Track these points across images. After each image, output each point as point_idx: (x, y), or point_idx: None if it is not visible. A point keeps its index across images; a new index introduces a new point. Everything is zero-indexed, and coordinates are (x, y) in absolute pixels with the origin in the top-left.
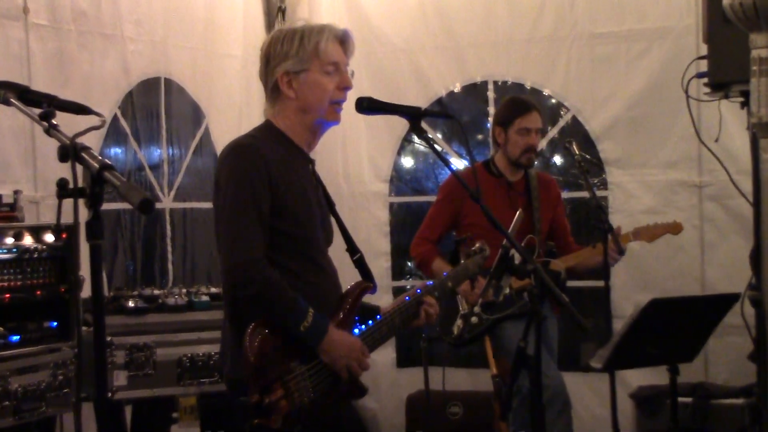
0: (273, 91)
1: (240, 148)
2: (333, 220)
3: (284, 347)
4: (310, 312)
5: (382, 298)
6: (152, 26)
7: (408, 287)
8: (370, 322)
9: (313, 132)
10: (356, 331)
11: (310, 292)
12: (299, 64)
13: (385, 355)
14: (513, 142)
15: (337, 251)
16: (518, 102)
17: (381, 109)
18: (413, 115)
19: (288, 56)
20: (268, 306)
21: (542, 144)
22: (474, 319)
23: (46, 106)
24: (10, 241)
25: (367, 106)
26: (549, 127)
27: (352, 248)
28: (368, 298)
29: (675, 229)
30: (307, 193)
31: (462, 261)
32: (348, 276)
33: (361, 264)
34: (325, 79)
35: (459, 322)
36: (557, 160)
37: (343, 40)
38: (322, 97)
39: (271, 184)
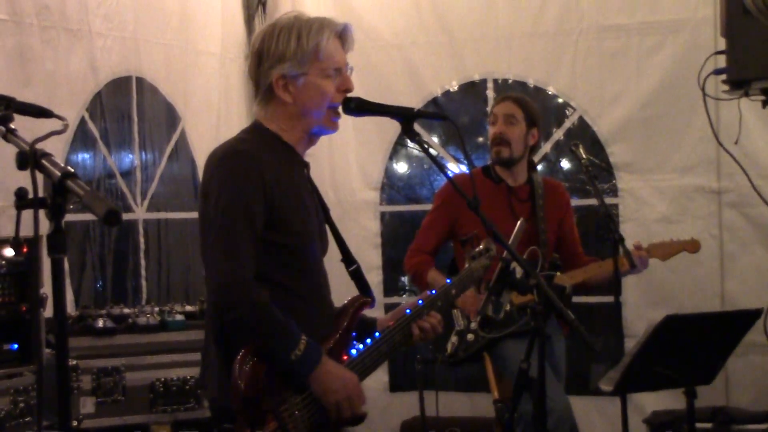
0: (266, 94)
1: (233, 154)
2: (327, 228)
3: (277, 375)
4: (302, 339)
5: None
6: (122, 21)
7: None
8: (369, 340)
9: (311, 136)
10: (354, 351)
11: (306, 312)
12: (297, 67)
13: (377, 378)
14: (489, 136)
15: (329, 262)
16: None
17: (371, 110)
18: (406, 117)
19: (285, 57)
20: (256, 331)
21: (547, 147)
22: (470, 337)
23: (3, 109)
24: None
25: (356, 106)
26: (554, 129)
27: (347, 259)
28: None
29: (692, 246)
30: (304, 202)
31: (466, 264)
32: (342, 288)
33: (357, 276)
34: (325, 83)
35: (453, 338)
36: (563, 164)
37: (343, 35)
38: (322, 102)
39: (266, 195)
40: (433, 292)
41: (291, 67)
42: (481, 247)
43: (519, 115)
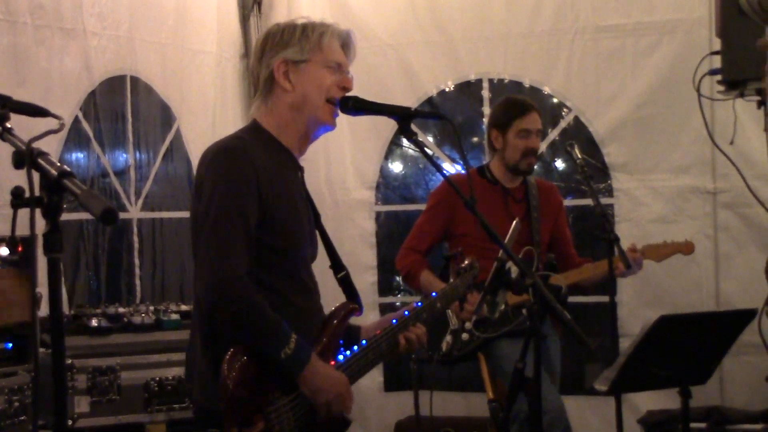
0: (266, 84)
1: (227, 151)
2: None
3: (265, 376)
4: (293, 338)
5: (368, 316)
6: (117, 19)
7: (397, 303)
8: (356, 347)
9: (306, 133)
10: (341, 357)
11: (294, 315)
12: (300, 53)
13: (371, 378)
14: (512, 146)
15: (318, 267)
16: (516, 102)
17: (368, 108)
18: (403, 116)
19: (288, 45)
20: (248, 328)
21: (542, 147)
22: (465, 336)
23: None
24: None
25: (353, 105)
26: (549, 129)
27: (336, 265)
28: (353, 319)
29: (686, 248)
30: (297, 204)
31: (451, 279)
32: (331, 294)
33: (346, 283)
34: (324, 73)
35: (448, 338)
36: (558, 164)
37: (346, 43)
38: (320, 91)
39: (259, 193)
40: (419, 304)
41: (293, 53)
42: (466, 263)
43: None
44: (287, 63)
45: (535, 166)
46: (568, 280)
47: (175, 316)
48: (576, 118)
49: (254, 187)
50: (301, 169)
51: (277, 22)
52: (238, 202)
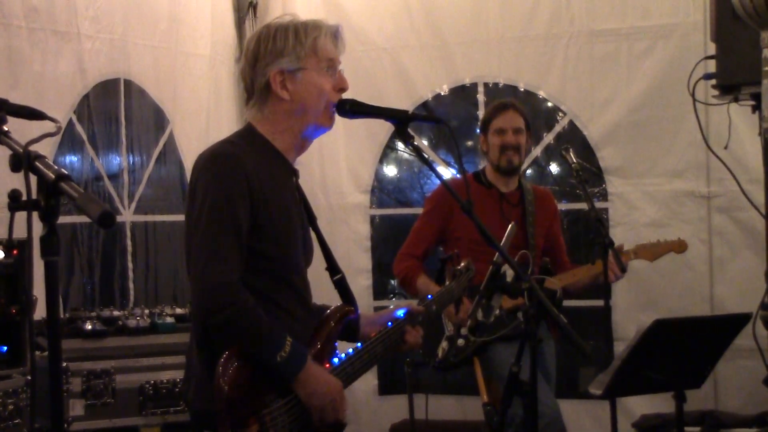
0: (262, 93)
1: (220, 156)
2: (313, 235)
3: (260, 378)
4: (288, 341)
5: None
6: (111, 23)
7: (392, 307)
8: (351, 350)
9: (304, 139)
10: (336, 360)
11: (287, 320)
12: (295, 62)
13: (366, 381)
14: (492, 145)
15: (314, 270)
16: (495, 104)
17: (365, 112)
18: (401, 119)
19: (283, 53)
20: (242, 333)
21: (537, 151)
22: (460, 342)
23: None
24: None
25: (350, 108)
26: (544, 133)
27: (332, 267)
28: None
29: (679, 247)
30: (289, 210)
31: (447, 282)
32: (326, 297)
33: (342, 285)
34: (322, 79)
35: (444, 344)
36: (553, 168)
37: (336, 36)
38: (320, 99)
39: (252, 199)
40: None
41: (289, 62)
42: (462, 265)
43: (523, 125)
44: (283, 73)
45: (530, 171)
46: (562, 282)
47: (169, 320)
48: (571, 122)
49: (246, 193)
50: (295, 173)
51: (267, 24)
52: (230, 208)
